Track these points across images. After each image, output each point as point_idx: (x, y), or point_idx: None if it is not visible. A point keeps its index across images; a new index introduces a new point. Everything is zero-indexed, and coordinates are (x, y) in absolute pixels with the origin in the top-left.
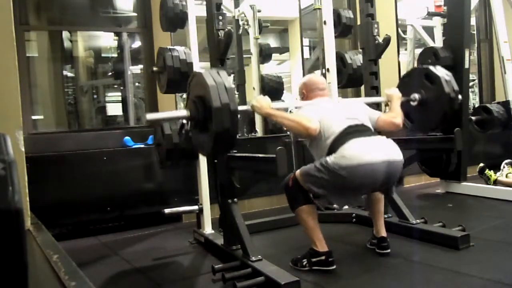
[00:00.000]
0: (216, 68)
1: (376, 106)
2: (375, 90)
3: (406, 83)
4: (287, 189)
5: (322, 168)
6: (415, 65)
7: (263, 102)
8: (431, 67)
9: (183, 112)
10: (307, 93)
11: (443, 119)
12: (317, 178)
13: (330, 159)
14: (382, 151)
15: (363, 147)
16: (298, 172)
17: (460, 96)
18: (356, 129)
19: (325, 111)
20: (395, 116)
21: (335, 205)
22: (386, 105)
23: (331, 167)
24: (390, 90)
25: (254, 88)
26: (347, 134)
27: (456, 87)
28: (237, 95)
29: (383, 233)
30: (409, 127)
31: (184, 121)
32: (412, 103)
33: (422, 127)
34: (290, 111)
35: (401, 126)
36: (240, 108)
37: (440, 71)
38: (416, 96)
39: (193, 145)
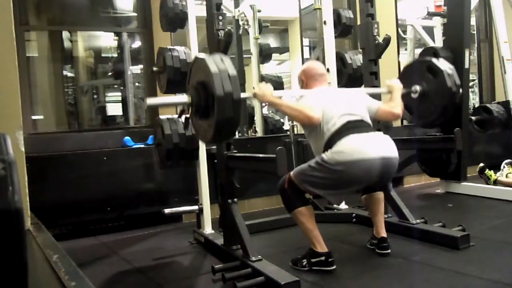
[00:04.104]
0: (219, 54)
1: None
2: None
3: (407, 75)
4: (282, 191)
5: (318, 166)
6: None
7: (266, 90)
8: (434, 60)
9: (184, 98)
10: (306, 80)
11: (443, 112)
12: (313, 177)
13: (327, 155)
14: (378, 147)
15: (360, 143)
16: (292, 173)
17: (461, 90)
18: (355, 125)
19: (327, 101)
20: (395, 106)
21: (335, 205)
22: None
23: (327, 163)
24: (391, 81)
25: (254, 88)
26: (346, 130)
27: (458, 81)
28: None
29: (383, 233)
30: (409, 119)
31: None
32: (413, 95)
33: (422, 120)
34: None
35: (400, 116)
36: (243, 95)
37: (443, 64)
38: (417, 88)
39: (193, 134)
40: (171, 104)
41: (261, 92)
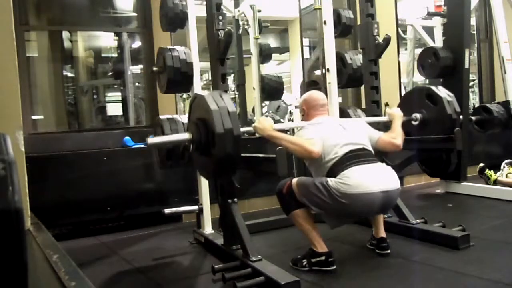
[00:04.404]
0: (218, 91)
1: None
2: (375, 90)
3: (407, 102)
4: (280, 194)
5: (322, 188)
6: (415, 65)
7: (266, 124)
8: (433, 87)
9: (185, 135)
10: (307, 110)
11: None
12: (315, 197)
13: (332, 182)
14: (380, 181)
15: (363, 176)
16: (295, 183)
17: (461, 117)
18: (357, 153)
19: (327, 132)
20: (395, 136)
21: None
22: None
23: (331, 190)
24: (392, 109)
25: (254, 88)
26: (348, 159)
27: (457, 108)
28: (236, 96)
29: (382, 234)
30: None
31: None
32: (413, 122)
33: None
34: (293, 130)
35: (401, 147)
36: (243, 130)
37: (442, 92)
38: (417, 115)
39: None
40: (173, 143)
41: (261, 125)
